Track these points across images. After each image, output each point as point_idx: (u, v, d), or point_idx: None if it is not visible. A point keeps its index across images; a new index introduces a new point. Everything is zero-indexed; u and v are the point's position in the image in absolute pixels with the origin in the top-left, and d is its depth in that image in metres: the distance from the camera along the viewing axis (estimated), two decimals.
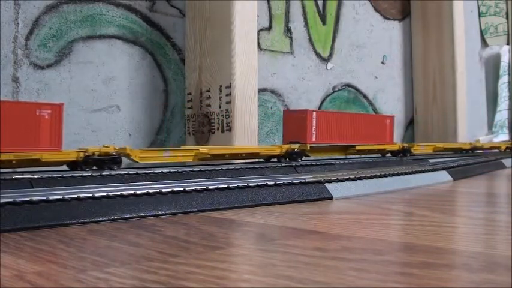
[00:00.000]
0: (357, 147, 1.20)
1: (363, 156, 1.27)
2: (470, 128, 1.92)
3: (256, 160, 1.06)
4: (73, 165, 0.78)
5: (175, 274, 0.38)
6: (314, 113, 1.09)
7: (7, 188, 0.62)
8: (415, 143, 1.46)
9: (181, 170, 0.85)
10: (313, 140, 1.09)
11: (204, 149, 0.93)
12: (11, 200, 0.56)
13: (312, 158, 1.11)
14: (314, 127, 1.08)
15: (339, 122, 1.16)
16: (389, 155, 1.34)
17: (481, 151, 1.72)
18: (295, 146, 1.05)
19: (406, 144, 1.36)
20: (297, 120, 1.10)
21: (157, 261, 0.42)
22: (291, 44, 1.50)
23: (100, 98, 1.08)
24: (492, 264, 0.41)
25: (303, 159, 1.06)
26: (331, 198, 0.81)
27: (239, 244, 0.52)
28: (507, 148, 1.87)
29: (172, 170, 0.84)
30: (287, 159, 1.03)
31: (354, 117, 1.24)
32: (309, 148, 1.07)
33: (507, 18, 2.47)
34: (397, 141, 1.83)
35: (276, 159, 1.05)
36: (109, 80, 1.10)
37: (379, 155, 1.33)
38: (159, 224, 0.59)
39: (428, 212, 0.73)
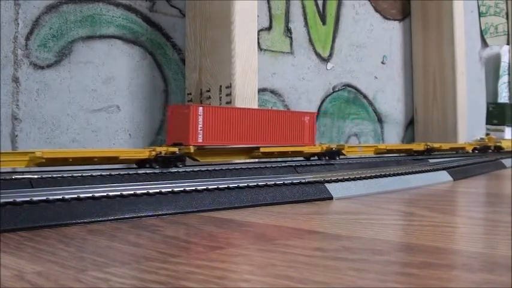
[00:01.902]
0: (262, 150, 1.01)
1: (272, 160, 1.11)
2: (470, 128, 1.92)
3: (257, 160, 1.06)
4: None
5: (175, 274, 0.38)
6: (200, 109, 0.92)
7: (7, 188, 0.62)
8: (346, 145, 1.22)
9: (181, 170, 0.85)
10: (200, 141, 0.91)
11: (38, 153, 0.75)
12: (11, 200, 0.56)
13: (202, 162, 0.96)
14: (201, 126, 0.92)
15: (238, 120, 0.97)
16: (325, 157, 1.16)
17: (438, 153, 1.51)
18: (175, 149, 0.88)
19: (334, 146, 1.16)
20: (181, 117, 0.92)
21: (157, 261, 0.42)
22: (291, 44, 1.50)
23: (100, 98, 1.08)
24: (492, 264, 0.41)
25: (186, 164, 0.91)
26: (331, 198, 0.81)
27: (239, 244, 0.52)
28: (475, 149, 1.70)
29: (173, 170, 0.84)
30: (157, 166, 0.85)
31: (260, 114, 1.02)
32: (192, 151, 0.90)
33: (507, 18, 2.47)
34: (396, 141, 1.84)
35: (145, 166, 0.86)
36: (109, 80, 1.10)
37: (303, 158, 1.14)
38: (159, 224, 0.59)
39: (428, 212, 0.73)
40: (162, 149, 0.85)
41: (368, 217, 0.68)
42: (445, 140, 1.77)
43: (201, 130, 0.92)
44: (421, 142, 1.50)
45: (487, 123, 1.91)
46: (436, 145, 1.45)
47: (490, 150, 1.69)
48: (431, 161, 1.34)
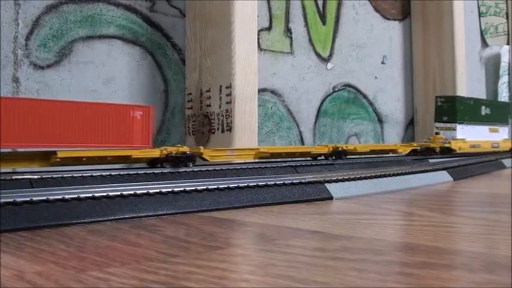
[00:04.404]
0: (61, 155, 0.74)
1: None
2: None
3: (257, 160, 1.06)
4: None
5: (175, 274, 0.38)
6: None
7: (7, 188, 0.62)
8: (201, 147, 0.92)
9: (181, 170, 0.85)
10: None
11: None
12: (11, 200, 0.56)
13: None
14: None
15: (22, 114, 0.69)
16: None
17: (352, 157, 1.22)
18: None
19: (188, 150, 0.87)
20: None
21: (157, 261, 0.42)
22: (291, 44, 1.50)
23: (100, 98, 1.08)
24: (492, 264, 0.41)
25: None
26: (331, 198, 0.81)
27: (239, 244, 0.52)
28: (413, 151, 1.39)
29: (173, 170, 0.84)
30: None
31: (60, 108, 0.73)
32: None
33: (507, 18, 2.47)
34: (396, 142, 1.84)
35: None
36: (109, 80, 1.10)
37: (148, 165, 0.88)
38: (159, 224, 0.59)
39: (428, 212, 0.73)
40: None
41: (368, 217, 0.68)
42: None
43: None
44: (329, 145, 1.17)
45: (435, 121, 1.55)
46: (350, 147, 1.18)
47: (434, 153, 1.41)
48: (431, 161, 1.34)
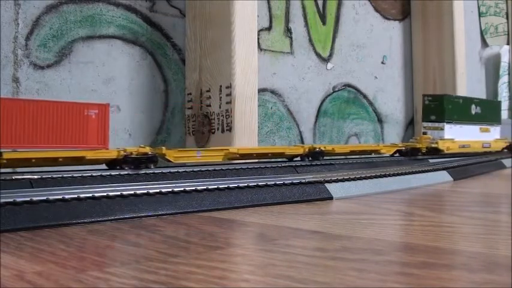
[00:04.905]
0: (7, 156, 0.68)
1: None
2: None
3: (257, 160, 1.05)
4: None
5: (175, 274, 0.38)
6: None
7: (7, 188, 0.62)
8: (163, 148, 0.87)
9: (181, 170, 0.85)
10: None
11: None
12: (11, 200, 0.56)
13: None
14: None
15: None
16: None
17: (330, 158, 1.16)
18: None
19: (149, 150, 0.83)
20: None
21: (157, 261, 0.42)
22: (291, 44, 1.50)
23: (100, 98, 1.08)
24: (492, 264, 0.41)
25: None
26: (331, 198, 0.81)
27: (239, 244, 0.52)
28: (397, 151, 1.34)
29: (173, 170, 0.84)
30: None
31: (8, 106, 0.69)
32: None
33: (507, 18, 2.47)
34: (397, 141, 1.83)
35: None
36: (109, 80, 1.10)
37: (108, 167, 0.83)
38: (159, 224, 0.59)
39: (429, 212, 0.73)
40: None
41: (368, 217, 0.68)
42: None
43: None
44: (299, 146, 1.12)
45: (423, 120, 1.50)
46: (328, 147, 1.13)
47: (420, 154, 1.36)
48: (431, 161, 1.34)
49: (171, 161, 0.88)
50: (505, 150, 1.73)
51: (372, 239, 0.52)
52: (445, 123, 1.46)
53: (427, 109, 1.50)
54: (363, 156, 1.28)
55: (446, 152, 1.41)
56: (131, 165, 0.80)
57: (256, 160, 1.05)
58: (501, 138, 1.71)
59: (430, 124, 1.48)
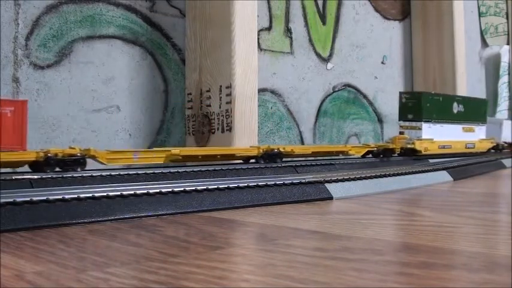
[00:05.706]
0: None
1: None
2: None
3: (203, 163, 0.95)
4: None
5: (175, 274, 0.38)
6: None
7: (7, 188, 0.62)
8: (92, 149, 0.80)
9: (181, 170, 0.85)
10: None
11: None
12: (11, 200, 0.56)
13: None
14: None
15: None
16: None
17: (290, 160, 1.07)
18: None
19: (78, 151, 0.77)
20: None
21: (157, 261, 0.42)
22: (291, 44, 1.50)
23: (100, 98, 1.08)
24: (492, 264, 0.41)
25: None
26: (331, 198, 0.81)
27: (239, 244, 0.52)
28: (369, 152, 1.25)
29: (173, 170, 0.84)
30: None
31: None
32: None
33: (507, 18, 2.47)
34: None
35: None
36: (109, 80, 1.10)
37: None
38: (159, 224, 0.59)
39: (428, 212, 0.73)
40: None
41: (368, 217, 0.68)
42: None
43: None
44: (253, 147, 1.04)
45: (399, 119, 1.41)
46: (287, 148, 1.05)
47: (394, 155, 1.29)
48: (431, 161, 1.34)
49: (104, 163, 0.81)
50: (492, 150, 1.66)
51: (372, 239, 0.52)
52: (422, 123, 1.38)
53: (404, 107, 1.42)
54: (326, 157, 1.17)
55: (424, 153, 1.34)
56: (55, 167, 0.74)
57: (203, 163, 0.96)
58: (487, 139, 1.64)
59: (407, 123, 1.40)
